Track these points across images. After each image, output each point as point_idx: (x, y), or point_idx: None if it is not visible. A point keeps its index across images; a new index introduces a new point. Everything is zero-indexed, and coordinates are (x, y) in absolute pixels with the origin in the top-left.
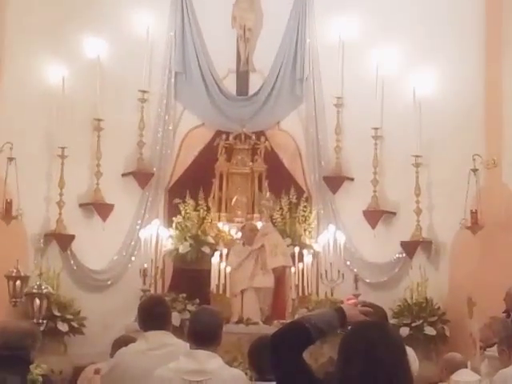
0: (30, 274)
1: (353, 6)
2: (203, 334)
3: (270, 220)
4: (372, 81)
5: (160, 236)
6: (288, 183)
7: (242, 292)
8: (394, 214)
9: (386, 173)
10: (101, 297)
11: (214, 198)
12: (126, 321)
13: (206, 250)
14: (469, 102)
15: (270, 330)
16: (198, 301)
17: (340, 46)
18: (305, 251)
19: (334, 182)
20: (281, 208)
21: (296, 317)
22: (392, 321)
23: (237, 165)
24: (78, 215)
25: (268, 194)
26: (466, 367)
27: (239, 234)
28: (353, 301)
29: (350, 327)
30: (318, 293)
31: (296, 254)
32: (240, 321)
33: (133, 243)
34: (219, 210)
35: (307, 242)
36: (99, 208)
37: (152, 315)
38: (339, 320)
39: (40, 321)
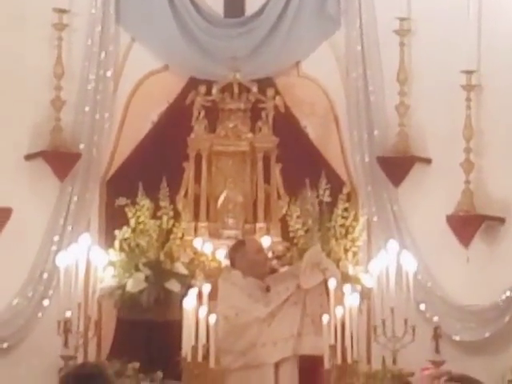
0: None
1: None
2: None
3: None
4: None
5: (93, 263)
6: (316, 168)
7: (277, 365)
8: (503, 220)
9: (487, 150)
10: None
11: (186, 196)
12: None
13: (174, 286)
14: None
15: None
16: (160, 375)
17: None
18: (347, 287)
19: (397, 166)
20: (302, 212)
21: None
22: None
23: (226, 138)
24: None
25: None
26: None
27: (242, 257)
28: (429, 372)
29: None
30: (369, 359)
31: (331, 292)
32: None
33: (45, 276)
34: (196, 218)
35: (351, 271)
36: None
37: None
38: None
39: None
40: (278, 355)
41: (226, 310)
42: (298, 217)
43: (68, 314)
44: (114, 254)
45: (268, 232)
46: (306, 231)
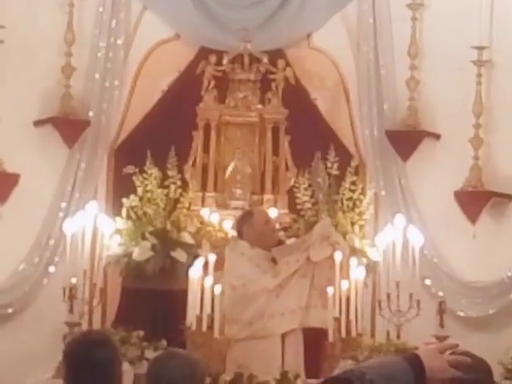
0: None
1: None
2: None
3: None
4: None
5: (99, 231)
6: (325, 141)
7: (283, 336)
8: (510, 197)
9: (497, 127)
10: None
11: (194, 165)
12: (39, 376)
13: (180, 255)
14: None
15: None
16: (164, 343)
17: None
18: (353, 261)
19: (406, 140)
20: (310, 185)
21: (336, 372)
22: (503, 383)
23: (236, 108)
24: None
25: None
26: None
27: (249, 228)
28: (435, 345)
29: None
30: (374, 332)
31: (337, 265)
32: (238, 379)
33: (52, 242)
34: (204, 188)
35: (357, 244)
36: None
37: (87, 366)
38: (414, 376)
39: None
40: (285, 326)
41: (233, 279)
42: (305, 189)
43: (73, 280)
44: (121, 222)
45: (275, 204)
46: (314, 204)
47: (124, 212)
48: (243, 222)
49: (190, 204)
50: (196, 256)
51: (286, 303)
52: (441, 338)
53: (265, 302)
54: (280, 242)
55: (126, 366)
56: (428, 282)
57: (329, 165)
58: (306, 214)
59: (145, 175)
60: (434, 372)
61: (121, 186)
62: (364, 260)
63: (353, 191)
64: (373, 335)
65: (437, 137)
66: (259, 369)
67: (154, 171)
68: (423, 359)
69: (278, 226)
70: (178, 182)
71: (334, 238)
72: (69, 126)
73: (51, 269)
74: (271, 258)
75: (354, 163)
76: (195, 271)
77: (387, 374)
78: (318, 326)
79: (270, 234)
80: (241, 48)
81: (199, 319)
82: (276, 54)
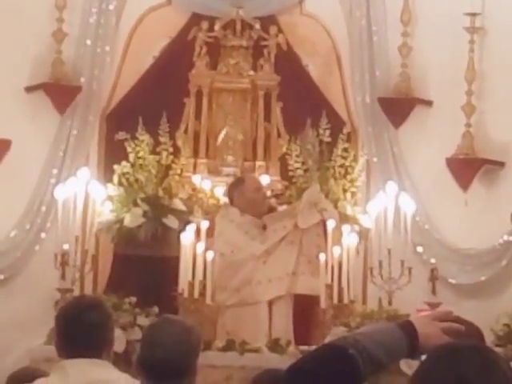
0: None
1: None
2: (165, 365)
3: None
4: None
5: (91, 197)
6: (317, 108)
7: (271, 303)
8: (502, 164)
9: (489, 94)
10: None
11: (186, 132)
12: (30, 342)
13: (172, 222)
14: None
15: (283, 361)
16: (156, 309)
17: None
18: (345, 227)
19: (398, 107)
20: (302, 152)
21: (328, 339)
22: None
23: (228, 75)
24: None
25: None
26: None
27: (240, 195)
28: (428, 312)
29: (425, 356)
30: (365, 299)
31: (329, 232)
32: (230, 345)
33: (43, 209)
34: (195, 154)
35: (349, 211)
36: None
37: (78, 330)
38: (407, 343)
39: None
40: (272, 293)
41: (221, 246)
42: (297, 156)
43: (65, 247)
44: (113, 189)
45: (267, 170)
46: (306, 170)
47: (116, 178)
48: (234, 189)
49: (181, 170)
50: (188, 222)
51: (273, 270)
52: (433, 305)
53: (252, 269)
54: (272, 209)
55: (118, 332)
56: (420, 249)
57: (321, 131)
58: (297, 180)
59: (136, 141)
60: (428, 339)
61: (112, 153)
62: (356, 227)
63: (345, 158)
64: (364, 302)
65: (429, 104)
66: (247, 335)
67: (145, 138)
68: (417, 326)
69: (269, 193)
70: (170, 149)
71: (322, 205)
72: (60, 92)
73: (43, 235)
74: (262, 226)
75: (345, 130)
76: (187, 238)
77: (381, 341)
78: (306, 292)
79: (260, 201)
80: (233, 14)
81: (191, 285)
82: (268, 21)
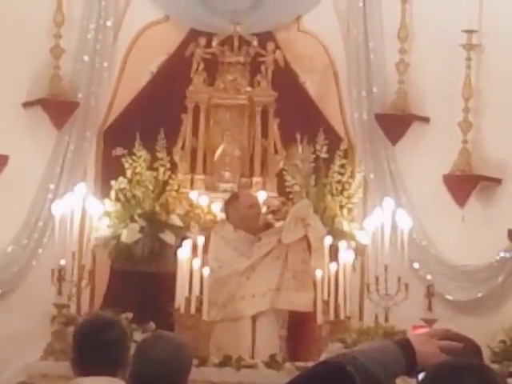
0: None
1: None
2: (156, 381)
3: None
4: None
5: (88, 213)
6: (314, 124)
7: (255, 318)
8: (499, 181)
9: (486, 110)
10: None
11: (183, 148)
12: (27, 357)
13: (169, 238)
14: None
15: (279, 377)
16: (153, 325)
17: None
18: (341, 244)
19: (395, 123)
20: (289, 168)
21: (324, 355)
22: (490, 366)
23: (225, 91)
24: None
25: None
26: None
27: (234, 211)
28: (425, 330)
29: (422, 374)
30: (362, 315)
31: (326, 249)
32: (226, 361)
33: (40, 224)
34: (193, 170)
35: (346, 227)
36: None
37: (94, 347)
38: (405, 361)
39: None
40: (255, 308)
41: (212, 262)
42: (286, 171)
43: (62, 262)
44: (110, 204)
45: (264, 186)
46: (302, 186)
47: (113, 194)
48: (229, 205)
49: (178, 186)
50: (184, 238)
51: (256, 285)
52: (429, 322)
53: (236, 285)
54: (268, 226)
55: None
56: (416, 265)
57: (318, 148)
58: (294, 196)
59: (134, 157)
60: (425, 357)
61: (110, 168)
62: (353, 243)
63: (342, 174)
64: (361, 318)
65: (426, 120)
66: (232, 351)
67: (142, 153)
68: (414, 344)
69: (265, 209)
70: (167, 165)
71: (308, 220)
72: (58, 107)
73: (40, 250)
74: (257, 241)
75: (343, 146)
76: (184, 253)
77: (379, 359)
78: (290, 308)
79: (254, 217)
80: (230, 30)
81: (188, 301)
82: (265, 37)
